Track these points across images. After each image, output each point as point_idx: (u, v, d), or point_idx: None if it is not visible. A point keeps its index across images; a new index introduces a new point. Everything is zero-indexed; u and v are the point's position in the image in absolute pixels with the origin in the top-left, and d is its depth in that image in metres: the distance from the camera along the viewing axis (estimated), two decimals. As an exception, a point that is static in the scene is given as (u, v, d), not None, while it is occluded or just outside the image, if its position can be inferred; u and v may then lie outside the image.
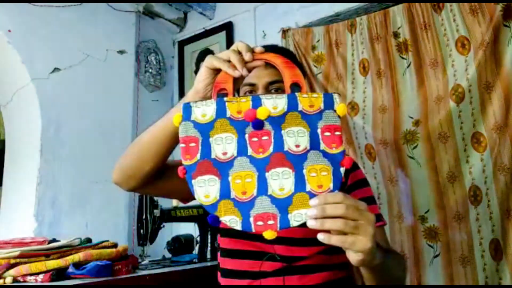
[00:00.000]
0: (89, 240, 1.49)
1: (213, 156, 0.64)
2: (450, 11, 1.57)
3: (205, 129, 0.65)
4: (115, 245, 1.50)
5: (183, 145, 0.65)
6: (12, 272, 1.26)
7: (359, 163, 1.71)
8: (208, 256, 1.80)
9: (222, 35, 2.29)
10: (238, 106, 0.65)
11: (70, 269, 1.31)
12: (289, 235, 0.94)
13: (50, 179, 1.81)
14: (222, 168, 0.63)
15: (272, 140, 0.63)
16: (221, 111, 0.65)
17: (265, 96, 0.65)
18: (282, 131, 0.63)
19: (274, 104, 0.64)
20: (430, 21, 1.61)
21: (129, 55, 2.24)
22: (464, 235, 1.49)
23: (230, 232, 1.00)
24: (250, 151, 0.63)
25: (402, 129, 1.63)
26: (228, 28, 2.28)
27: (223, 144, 0.64)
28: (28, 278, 1.26)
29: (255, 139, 0.64)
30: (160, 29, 2.46)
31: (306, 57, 1.90)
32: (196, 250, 1.88)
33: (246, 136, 0.64)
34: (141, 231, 1.75)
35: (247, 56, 0.69)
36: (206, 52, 2.37)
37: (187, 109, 0.66)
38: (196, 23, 2.44)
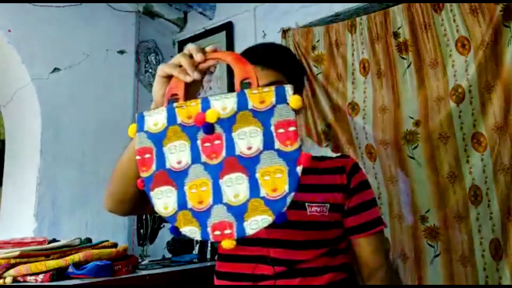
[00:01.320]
0: (89, 240, 1.49)
1: (167, 166, 0.62)
2: (450, 11, 1.57)
3: (158, 139, 0.63)
4: (115, 245, 1.50)
5: (138, 157, 0.63)
6: (12, 272, 1.26)
7: (359, 163, 1.70)
8: (208, 256, 1.80)
9: (222, 35, 2.29)
10: (188, 111, 0.62)
11: (70, 269, 1.31)
12: (290, 238, 0.94)
13: (50, 179, 1.81)
14: (177, 178, 0.61)
15: (224, 144, 0.60)
16: (171, 118, 0.63)
17: (213, 96, 0.61)
18: (233, 133, 0.59)
19: (223, 105, 0.60)
20: (430, 21, 1.61)
21: (129, 55, 2.24)
22: (465, 235, 1.49)
23: None
24: (203, 158, 0.60)
25: (402, 129, 1.63)
26: (228, 28, 2.28)
27: (177, 153, 0.62)
28: (28, 278, 1.26)
29: (207, 144, 0.60)
30: (160, 29, 2.45)
31: (306, 57, 1.90)
32: (196, 250, 1.88)
33: (199, 142, 0.61)
34: (141, 231, 1.75)
35: (198, 57, 0.67)
36: (206, 52, 2.37)
37: (141, 119, 0.65)
38: (196, 23, 2.44)
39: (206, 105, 0.61)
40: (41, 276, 1.26)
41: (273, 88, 0.59)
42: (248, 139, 0.58)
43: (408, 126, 1.62)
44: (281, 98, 0.59)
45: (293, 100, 0.58)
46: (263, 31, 2.13)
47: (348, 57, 1.81)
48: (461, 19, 1.54)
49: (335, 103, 1.82)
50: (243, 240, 0.93)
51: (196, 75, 0.66)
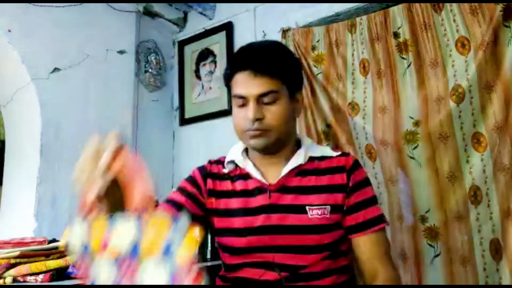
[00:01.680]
0: (89, 240, 1.49)
1: (98, 283, 0.60)
2: (450, 11, 1.57)
3: (85, 252, 0.61)
4: (115, 245, 1.50)
5: (79, 263, 0.62)
6: (12, 272, 1.25)
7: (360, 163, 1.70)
8: (208, 256, 1.80)
9: (222, 35, 2.29)
10: (96, 233, 0.59)
11: (70, 269, 1.31)
12: (292, 243, 0.93)
13: (50, 179, 1.81)
14: None
15: (135, 273, 0.56)
16: (86, 234, 0.61)
17: (118, 220, 0.58)
18: (139, 267, 0.56)
19: (122, 235, 0.56)
20: (430, 21, 1.61)
21: (129, 55, 2.24)
22: (465, 235, 1.49)
23: (230, 249, 1.00)
24: (125, 279, 0.57)
25: (402, 129, 1.63)
26: (228, 28, 2.28)
27: (103, 273, 0.59)
28: (28, 278, 1.26)
29: (125, 266, 0.58)
30: (160, 29, 2.45)
31: (306, 57, 1.90)
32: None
33: (117, 264, 0.58)
34: (141, 231, 1.75)
35: (100, 168, 0.60)
36: (206, 52, 2.37)
37: (72, 226, 0.63)
38: (196, 23, 2.44)
39: (110, 231, 0.58)
40: (41, 276, 1.25)
41: (169, 218, 0.54)
42: (152, 275, 0.54)
43: (408, 126, 1.62)
44: (178, 234, 0.53)
45: (188, 241, 0.52)
46: (263, 31, 2.13)
47: (348, 57, 1.81)
48: (461, 19, 1.54)
49: (335, 103, 1.82)
50: (249, 248, 0.93)
51: (103, 184, 0.59)
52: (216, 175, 1.04)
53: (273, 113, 0.92)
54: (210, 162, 1.08)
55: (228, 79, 0.99)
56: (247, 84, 0.91)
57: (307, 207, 0.93)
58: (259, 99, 0.91)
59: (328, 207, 0.94)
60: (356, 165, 1.01)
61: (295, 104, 1.00)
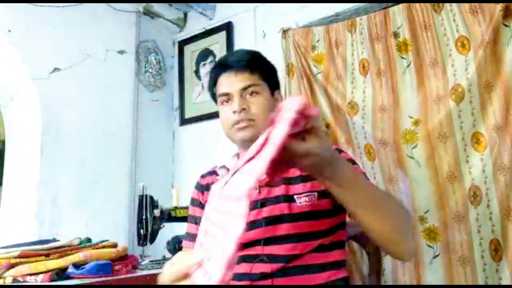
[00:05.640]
0: (89, 240, 1.49)
1: None
2: (450, 11, 1.57)
3: None
4: (115, 245, 1.50)
5: None
6: (12, 272, 1.26)
7: (358, 162, 1.70)
8: (208, 256, 1.80)
9: (222, 35, 2.29)
10: None
11: (70, 269, 1.31)
12: (282, 232, 0.94)
13: (50, 179, 1.81)
14: None
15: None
16: None
17: None
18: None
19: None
20: (430, 21, 1.61)
21: (129, 55, 2.24)
22: (464, 235, 1.49)
23: None
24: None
25: (401, 129, 1.63)
26: (228, 28, 2.28)
27: None
28: (28, 278, 1.26)
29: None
30: (160, 29, 2.45)
31: (306, 57, 1.90)
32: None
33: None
34: (141, 231, 1.75)
35: None
36: (206, 52, 2.37)
37: None
38: (196, 23, 2.44)
39: None
40: (41, 276, 1.26)
41: None
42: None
43: (407, 125, 1.62)
44: None
45: None
46: (263, 31, 2.13)
47: (347, 57, 1.81)
48: (461, 18, 1.54)
49: (334, 102, 1.82)
50: (242, 244, 0.93)
51: None
52: (210, 186, 1.07)
53: (257, 104, 0.99)
54: (202, 176, 1.15)
55: (213, 85, 1.06)
56: (230, 82, 0.99)
57: (295, 196, 0.96)
58: (242, 93, 0.99)
59: (315, 193, 0.96)
60: (338, 151, 1.00)
61: (275, 102, 1.04)
